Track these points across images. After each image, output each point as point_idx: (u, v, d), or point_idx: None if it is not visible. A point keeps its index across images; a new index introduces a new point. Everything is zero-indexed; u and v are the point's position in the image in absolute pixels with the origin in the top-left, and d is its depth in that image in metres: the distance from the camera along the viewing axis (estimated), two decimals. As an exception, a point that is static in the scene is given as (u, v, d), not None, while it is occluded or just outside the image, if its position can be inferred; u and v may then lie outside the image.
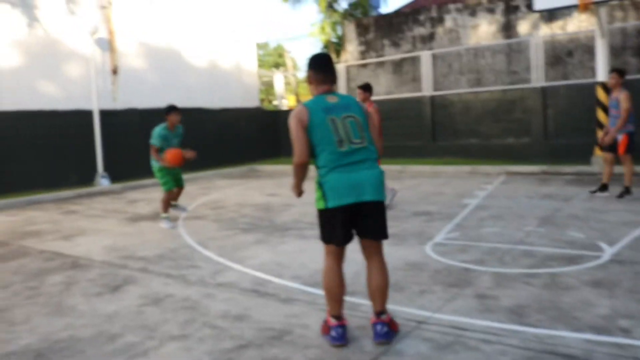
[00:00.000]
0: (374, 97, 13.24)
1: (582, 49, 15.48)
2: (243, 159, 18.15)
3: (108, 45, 14.66)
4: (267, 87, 28.36)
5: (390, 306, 4.05)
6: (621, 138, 8.62)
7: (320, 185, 3.55)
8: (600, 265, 5.04)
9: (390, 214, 8.05)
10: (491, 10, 17.19)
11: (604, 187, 9.04)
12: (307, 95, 31.19)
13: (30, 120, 13.11)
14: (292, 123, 3.55)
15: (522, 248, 5.87)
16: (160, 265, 5.82)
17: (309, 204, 9.59)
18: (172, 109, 8.02)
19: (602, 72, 12.37)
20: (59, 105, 13.73)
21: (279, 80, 20.66)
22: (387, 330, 3.51)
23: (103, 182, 13.78)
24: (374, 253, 3.63)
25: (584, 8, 11.21)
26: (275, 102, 28.38)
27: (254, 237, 7.07)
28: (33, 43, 13.33)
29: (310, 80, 3.74)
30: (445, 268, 5.24)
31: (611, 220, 7.08)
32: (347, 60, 20.05)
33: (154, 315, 4.27)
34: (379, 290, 3.58)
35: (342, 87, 18.62)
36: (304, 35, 54.54)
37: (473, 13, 17.52)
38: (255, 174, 16.33)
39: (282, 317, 4.10)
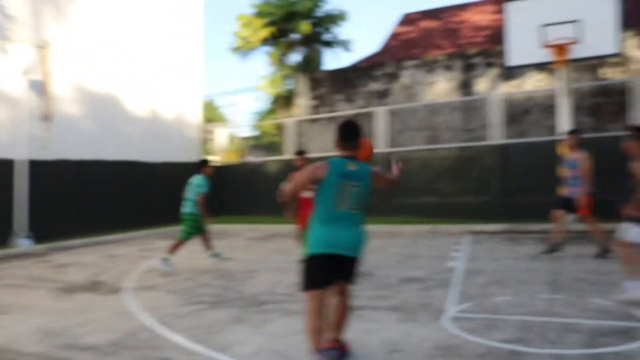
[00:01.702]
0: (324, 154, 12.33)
1: (539, 107, 15.38)
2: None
3: (42, 89, 13.15)
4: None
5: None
6: (584, 199, 8.40)
7: (310, 234, 4.00)
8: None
9: (377, 282, 7.10)
10: (449, 68, 16.99)
11: (555, 248, 8.77)
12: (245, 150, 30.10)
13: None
14: (309, 169, 4.05)
15: (557, 321, 5.03)
16: (118, 357, 4.43)
17: (275, 270, 8.48)
18: (207, 161, 9.25)
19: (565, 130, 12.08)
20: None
21: (221, 135, 19.49)
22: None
23: (23, 242, 11.98)
24: (344, 291, 4.10)
25: (560, 64, 10.98)
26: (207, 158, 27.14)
27: (227, 313, 5.77)
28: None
29: (336, 143, 4.18)
30: (488, 352, 4.24)
31: (619, 283, 6.40)
32: (298, 114, 19.29)
33: None
34: (342, 320, 4.11)
35: (290, 142, 17.69)
36: (251, 88, 53.43)
37: (430, 70, 17.27)
38: (201, 233, 14.90)
39: None
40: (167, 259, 8.57)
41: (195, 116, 18.35)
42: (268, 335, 4.87)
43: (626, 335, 4.58)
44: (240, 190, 17.60)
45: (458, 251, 9.62)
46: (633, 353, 4.15)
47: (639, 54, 14.96)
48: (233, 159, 20.26)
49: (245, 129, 36.33)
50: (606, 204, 8.62)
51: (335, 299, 4.08)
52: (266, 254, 10.22)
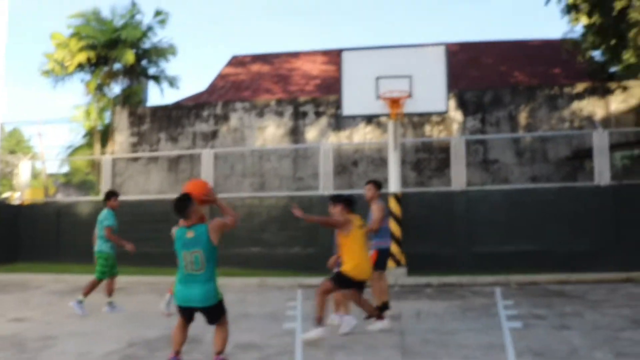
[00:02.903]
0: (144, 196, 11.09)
1: (367, 159, 15.63)
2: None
3: None
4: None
5: None
6: (371, 254, 7.54)
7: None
8: None
9: (208, 350, 6.09)
10: (280, 114, 16.67)
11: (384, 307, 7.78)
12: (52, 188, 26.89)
13: None
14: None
15: None
16: None
17: (82, 335, 6.95)
18: (114, 193, 9.10)
19: (394, 183, 12.18)
20: None
21: (25, 169, 16.93)
22: None
23: None
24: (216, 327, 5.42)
25: (394, 117, 11.06)
26: (5, 195, 23.89)
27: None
28: None
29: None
30: None
31: (470, 344, 6.28)
32: (115, 152, 17.55)
33: None
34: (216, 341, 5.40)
35: (106, 182, 15.87)
36: (65, 119, 47.87)
37: (261, 114, 16.80)
38: (-15, 286, 12.44)
39: None
40: (82, 301, 8.45)
41: (-12, 146, 15.74)
42: None
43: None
44: (43, 234, 15.27)
45: (291, 308, 8.90)
46: None
47: (456, 114, 16.01)
48: (36, 196, 17.72)
49: (55, 164, 32.55)
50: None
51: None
52: (71, 313, 8.56)
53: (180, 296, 5.22)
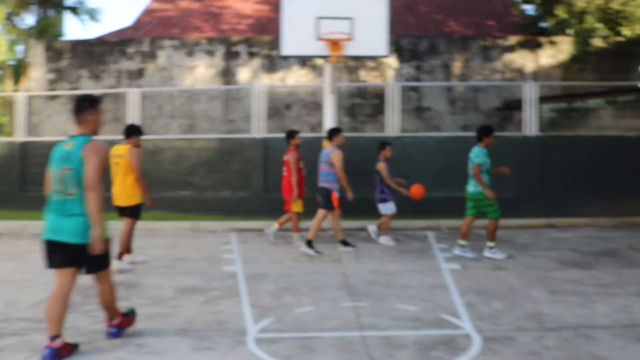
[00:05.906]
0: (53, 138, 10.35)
1: (300, 103, 15.36)
2: None
3: None
4: None
5: None
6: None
7: None
8: (490, 350, 4.21)
9: (149, 295, 5.95)
10: (210, 53, 15.95)
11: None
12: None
13: None
14: None
15: (375, 335, 4.57)
16: None
17: (6, 284, 6.45)
18: (491, 130, 8.21)
19: (329, 127, 12.05)
20: None
21: None
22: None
23: None
24: (98, 280, 4.29)
25: (334, 59, 10.80)
26: None
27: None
28: None
29: None
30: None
31: (414, 284, 6.39)
32: (31, 89, 16.31)
33: None
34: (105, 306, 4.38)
35: (21, 122, 14.78)
36: None
37: (190, 53, 16.02)
38: None
39: None
40: (492, 247, 8.22)
41: None
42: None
43: (451, 346, 4.30)
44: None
45: (229, 252, 8.75)
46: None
47: (392, 61, 15.94)
48: None
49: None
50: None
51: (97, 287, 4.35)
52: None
53: (49, 226, 4.01)
